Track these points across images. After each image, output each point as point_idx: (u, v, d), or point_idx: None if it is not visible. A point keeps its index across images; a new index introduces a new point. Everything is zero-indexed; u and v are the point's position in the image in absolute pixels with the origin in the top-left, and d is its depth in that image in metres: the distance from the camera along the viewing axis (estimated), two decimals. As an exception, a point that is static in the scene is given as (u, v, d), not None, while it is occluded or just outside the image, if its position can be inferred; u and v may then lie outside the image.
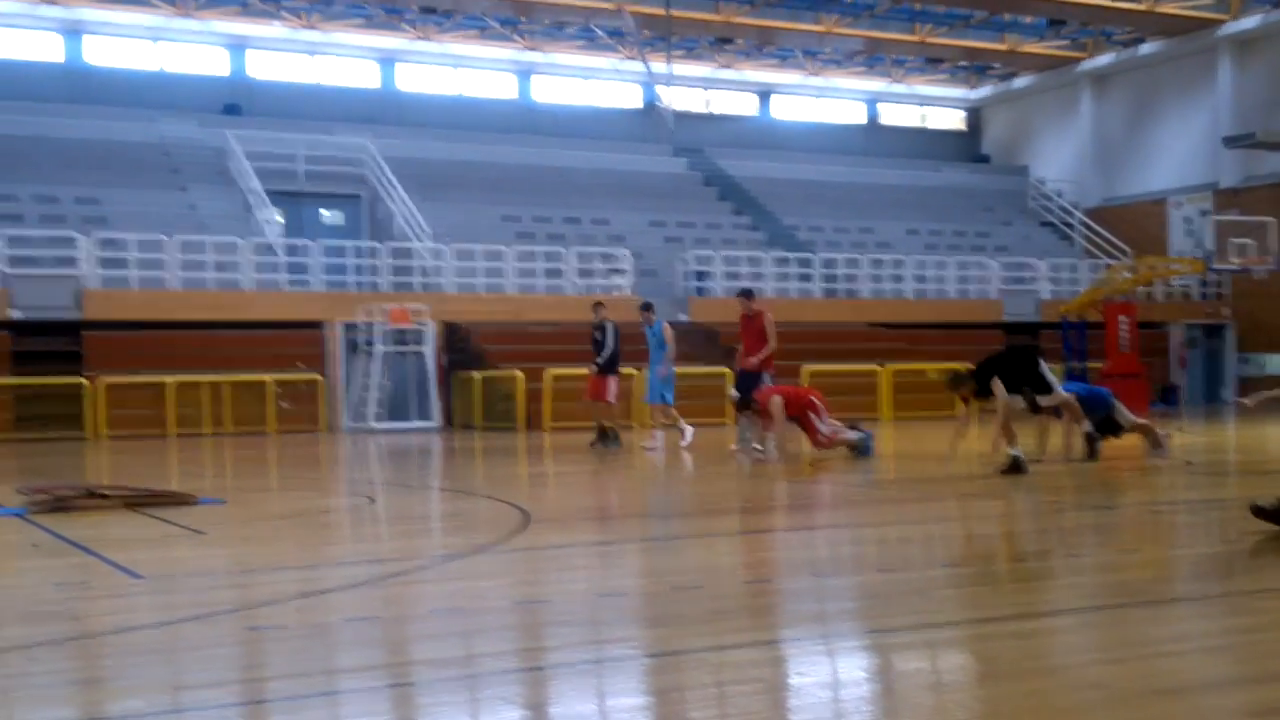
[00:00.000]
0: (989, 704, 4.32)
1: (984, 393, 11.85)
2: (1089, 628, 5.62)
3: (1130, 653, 5.12)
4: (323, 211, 31.20)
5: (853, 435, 14.69)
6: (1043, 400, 12.03)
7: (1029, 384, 11.91)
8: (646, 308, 17.90)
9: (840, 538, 8.93)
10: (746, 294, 16.41)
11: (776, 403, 14.32)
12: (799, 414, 14.69)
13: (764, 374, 15.66)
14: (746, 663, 4.87)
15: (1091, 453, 12.43)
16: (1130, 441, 14.47)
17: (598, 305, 18.61)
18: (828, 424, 14.40)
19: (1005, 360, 12.10)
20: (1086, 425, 12.47)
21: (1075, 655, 5.09)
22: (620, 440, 17.66)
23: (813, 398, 14.85)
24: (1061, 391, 12.38)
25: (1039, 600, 6.14)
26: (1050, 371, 12.24)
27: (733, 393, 16.03)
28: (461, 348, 26.56)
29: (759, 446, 14.95)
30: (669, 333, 17.53)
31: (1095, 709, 4.23)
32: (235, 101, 33.18)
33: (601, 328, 18.10)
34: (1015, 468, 12.00)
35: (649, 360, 17.80)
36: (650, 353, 17.67)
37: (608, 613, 6.01)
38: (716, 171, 37.14)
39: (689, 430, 17.39)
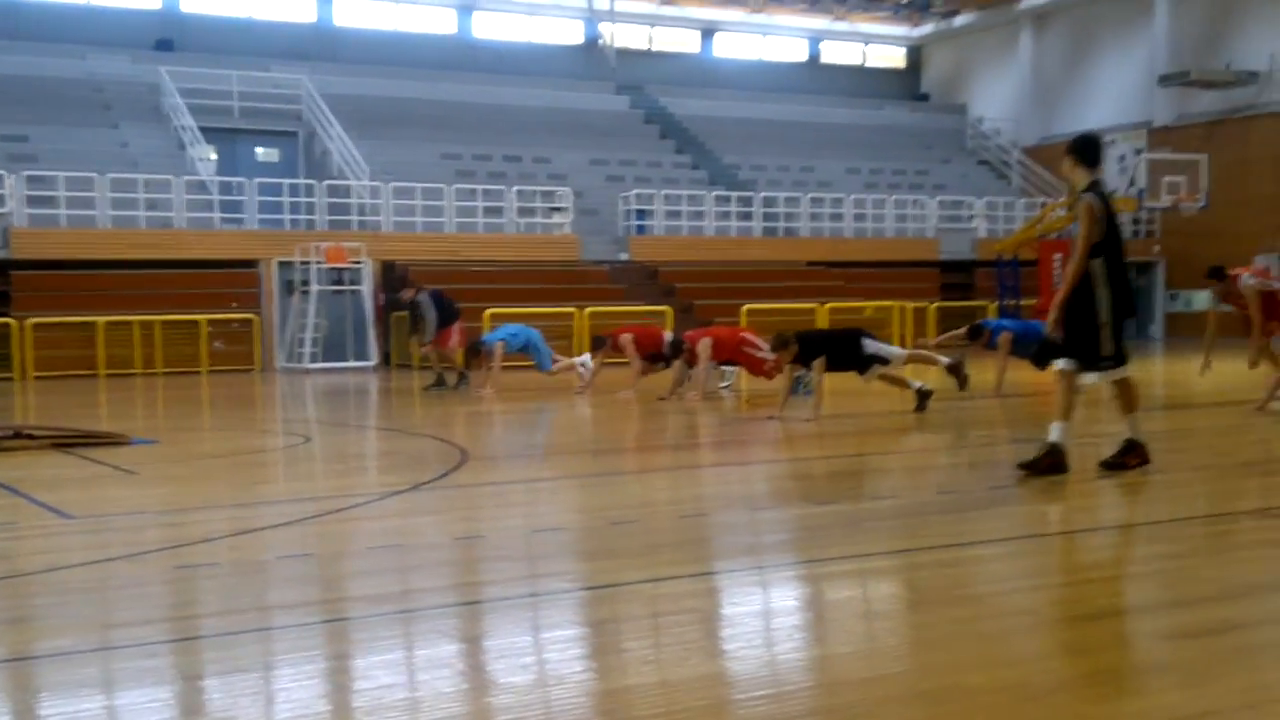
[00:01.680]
0: (918, 630, 4.40)
1: (803, 361, 12.28)
2: (1016, 556, 5.73)
3: (1055, 580, 5.24)
4: (258, 149, 30.71)
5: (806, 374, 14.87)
6: (878, 370, 12.50)
7: (853, 365, 12.40)
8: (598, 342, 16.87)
9: (775, 472, 9.01)
10: (599, 342, 16.48)
11: (704, 344, 14.44)
12: (734, 355, 14.74)
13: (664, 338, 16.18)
14: (681, 594, 4.92)
15: (961, 384, 13.14)
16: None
17: (406, 287, 18.44)
18: (768, 352, 14.44)
19: (830, 341, 12.65)
20: (944, 360, 13.01)
21: (1002, 583, 5.19)
22: (447, 384, 17.68)
23: (745, 335, 14.93)
24: (894, 352, 12.75)
25: (968, 530, 6.24)
26: (881, 343, 12.63)
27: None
28: (399, 287, 26.36)
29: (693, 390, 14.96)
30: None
31: (1020, 634, 4.32)
32: (168, 36, 32.44)
33: (416, 304, 18.01)
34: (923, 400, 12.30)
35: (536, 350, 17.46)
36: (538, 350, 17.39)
37: (545, 548, 6.04)
38: (658, 109, 36.93)
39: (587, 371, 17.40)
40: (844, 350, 12.35)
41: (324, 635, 4.45)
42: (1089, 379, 7.85)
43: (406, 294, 18.28)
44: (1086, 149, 7.82)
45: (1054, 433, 7.66)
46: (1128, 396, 7.84)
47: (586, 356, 17.16)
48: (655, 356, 15.84)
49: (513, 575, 5.39)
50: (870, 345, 12.38)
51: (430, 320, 17.86)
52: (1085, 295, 7.66)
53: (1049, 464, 7.60)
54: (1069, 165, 7.87)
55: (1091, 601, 4.77)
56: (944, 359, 13.22)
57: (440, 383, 17.78)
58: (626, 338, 16.17)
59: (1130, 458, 7.76)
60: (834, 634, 4.38)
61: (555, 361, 17.43)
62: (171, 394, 18.60)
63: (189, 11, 33.29)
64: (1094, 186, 7.72)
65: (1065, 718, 3.41)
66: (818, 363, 12.14)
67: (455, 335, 18.00)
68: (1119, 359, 7.73)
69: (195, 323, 24.12)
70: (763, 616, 4.66)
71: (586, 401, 15.20)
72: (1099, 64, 37.29)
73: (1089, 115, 37.10)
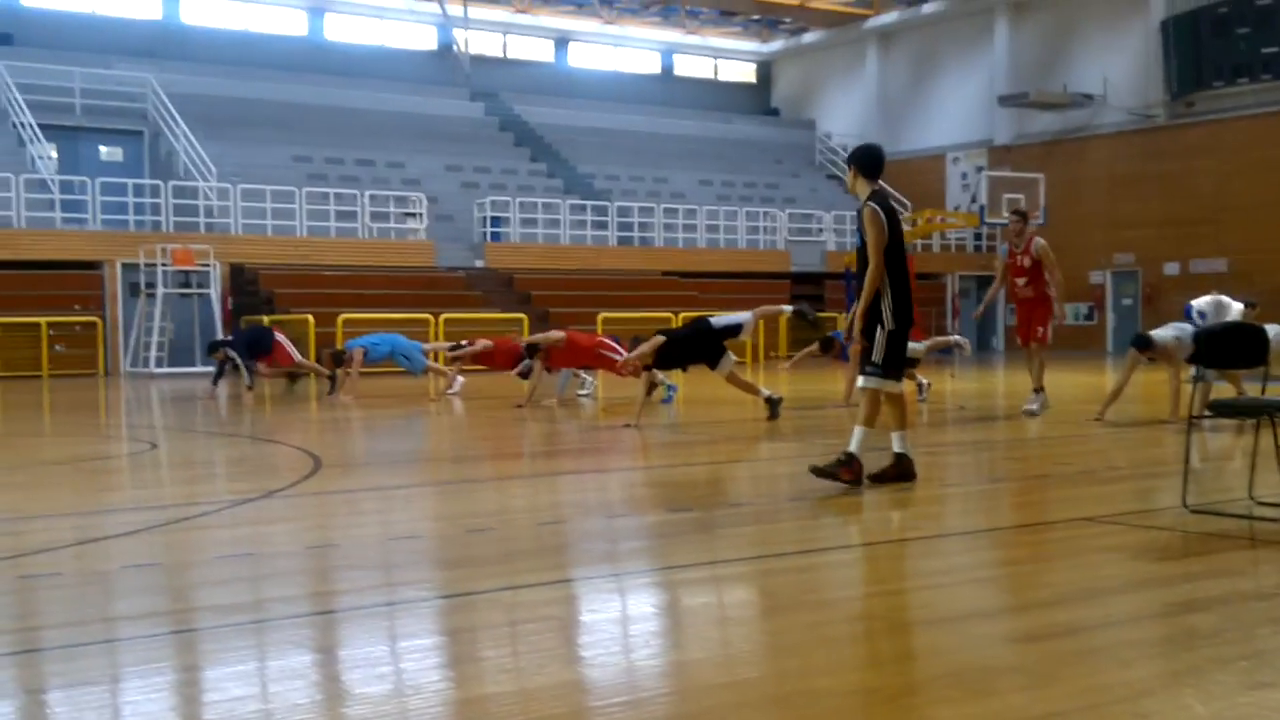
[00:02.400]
0: (771, 636, 4.49)
1: (659, 364, 12.45)
2: (865, 562, 5.88)
3: (902, 585, 5.39)
4: (101, 148, 29.75)
5: (660, 375, 14.89)
6: (731, 363, 12.60)
7: (708, 354, 12.46)
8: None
9: (632, 480, 9.07)
10: (454, 348, 16.87)
11: (554, 335, 14.51)
12: (591, 360, 14.81)
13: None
14: (539, 602, 4.92)
15: (812, 323, 14.30)
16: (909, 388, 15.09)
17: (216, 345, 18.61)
18: (624, 354, 14.49)
19: (681, 336, 12.75)
20: (788, 308, 14.10)
21: (851, 588, 5.33)
22: (295, 389, 17.86)
23: (602, 339, 15.00)
24: (742, 318, 13.05)
25: (820, 537, 6.38)
26: (726, 315, 12.87)
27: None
28: (250, 291, 25.81)
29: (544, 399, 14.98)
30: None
31: (870, 638, 4.44)
32: (6, 30, 31.23)
33: (229, 363, 18.15)
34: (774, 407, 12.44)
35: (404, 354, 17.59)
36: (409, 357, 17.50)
37: (400, 556, 5.98)
38: (513, 117, 36.85)
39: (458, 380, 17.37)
40: (697, 340, 12.41)
41: (173, 646, 4.34)
42: (859, 383, 7.81)
43: (218, 355, 18.24)
44: (867, 160, 7.79)
45: (895, 443, 7.82)
46: (876, 409, 7.71)
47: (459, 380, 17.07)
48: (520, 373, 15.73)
49: (368, 584, 5.33)
50: (718, 321, 12.54)
51: (245, 368, 17.89)
52: (872, 303, 7.65)
53: (896, 473, 7.76)
54: (851, 176, 7.96)
55: (938, 606, 4.92)
56: (787, 307, 13.76)
57: (293, 379, 17.78)
58: (484, 343, 16.30)
59: (892, 469, 7.72)
60: (690, 640, 4.44)
61: (427, 355, 17.54)
62: (11, 399, 17.91)
63: (29, 5, 32.13)
64: (875, 196, 7.74)
65: None
66: (647, 347, 12.13)
67: (284, 347, 17.89)
68: (888, 371, 7.67)
69: (36, 325, 23.28)
70: (620, 623, 4.70)
71: (444, 408, 15.08)
72: (942, 83, 38.44)
73: (933, 133, 38.23)
